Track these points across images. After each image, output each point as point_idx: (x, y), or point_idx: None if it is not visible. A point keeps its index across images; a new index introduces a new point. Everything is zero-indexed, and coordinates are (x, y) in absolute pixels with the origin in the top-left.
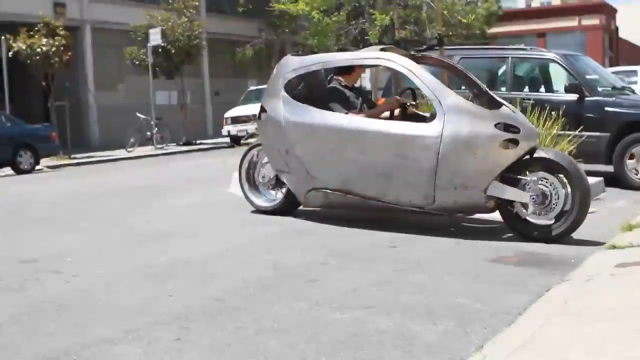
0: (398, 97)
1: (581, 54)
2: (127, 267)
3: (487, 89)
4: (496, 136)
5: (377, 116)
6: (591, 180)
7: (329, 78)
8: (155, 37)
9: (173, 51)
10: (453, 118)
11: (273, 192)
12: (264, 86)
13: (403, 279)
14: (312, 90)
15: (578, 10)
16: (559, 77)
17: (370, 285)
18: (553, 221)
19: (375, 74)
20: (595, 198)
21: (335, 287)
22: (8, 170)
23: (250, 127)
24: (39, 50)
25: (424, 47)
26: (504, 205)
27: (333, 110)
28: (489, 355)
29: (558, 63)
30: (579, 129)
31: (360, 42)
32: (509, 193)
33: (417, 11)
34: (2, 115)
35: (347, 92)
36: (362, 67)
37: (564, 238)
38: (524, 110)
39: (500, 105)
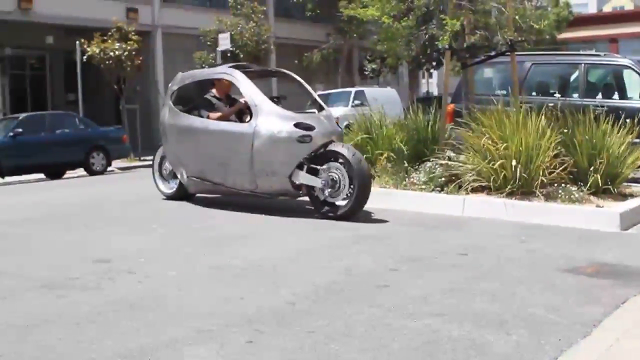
0: (243, 101)
1: None
2: (198, 269)
3: (314, 94)
4: (293, 133)
5: (227, 117)
6: None
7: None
8: (224, 42)
9: (241, 56)
10: (263, 119)
11: (173, 182)
12: (332, 91)
13: (474, 287)
14: (193, 99)
15: None
16: (634, 83)
17: (442, 292)
18: (341, 203)
19: (445, 80)
20: None
21: (407, 294)
22: (81, 171)
23: None
24: (111, 54)
25: (495, 52)
26: (309, 190)
27: (201, 115)
28: None
29: (633, 69)
30: None
31: (429, 47)
32: (306, 179)
33: (487, 16)
34: (76, 118)
35: (214, 100)
36: (226, 80)
37: (350, 217)
38: (596, 118)
39: (322, 108)
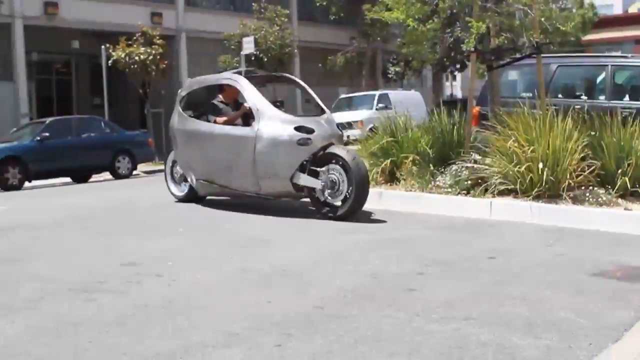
0: (248, 106)
1: None
2: (225, 272)
3: (317, 98)
4: (294, 136)
5: (233, 122)
6: None
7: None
8: (248, 46)
9: (265, 59)
10: (265, 122)
11: (184, 185)
12: (356, 94)
13: (503, 291)
14: (201, 105)
15: None
16: None
17: (470, 296)
18: (340, 203)
19: (471, 83)
20: None
21: (434, 298)
22: (107, 175)
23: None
24: (136, 58)
25: (521, 55)
26: (310, 191)
27: (209, 120)
28: None
29: None
30: None
31: (454, 50)
32: (306, 181)
33: (512, 18)
34: (102, 122)
35: (221, 105)
36: (233, 86)
37: (349, 217)
38: (624, 120)
39: (324, 112)
